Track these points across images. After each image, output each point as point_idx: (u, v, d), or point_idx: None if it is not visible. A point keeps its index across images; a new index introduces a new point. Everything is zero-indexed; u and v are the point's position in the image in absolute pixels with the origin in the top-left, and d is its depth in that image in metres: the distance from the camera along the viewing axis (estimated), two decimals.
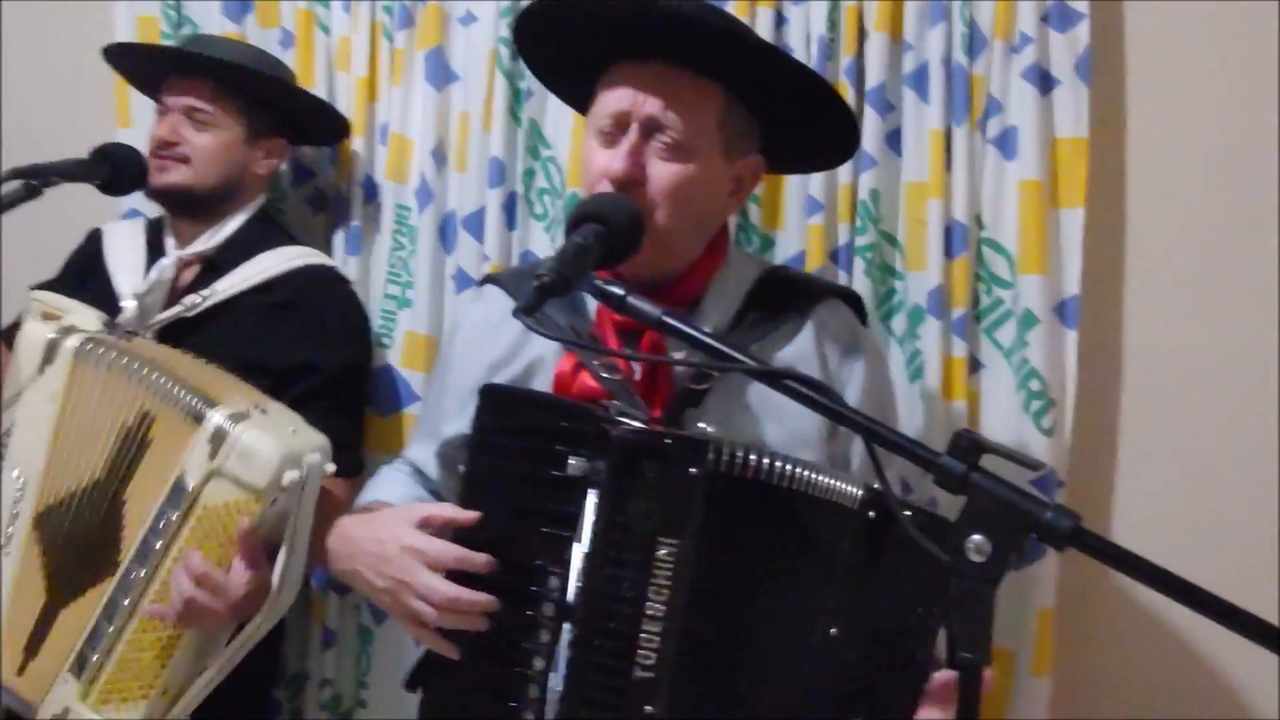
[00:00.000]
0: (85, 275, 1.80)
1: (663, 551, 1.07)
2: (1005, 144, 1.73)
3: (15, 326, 1.70)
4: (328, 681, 1.93)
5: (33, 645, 1.47)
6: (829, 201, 1.76)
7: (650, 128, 1.30)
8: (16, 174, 1.48)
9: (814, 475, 1.11)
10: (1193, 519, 1.70)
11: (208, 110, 1.75)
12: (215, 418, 1.40)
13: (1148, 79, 1.75)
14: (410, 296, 1.93)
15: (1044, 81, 1.71)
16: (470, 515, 1.15)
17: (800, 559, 1.13)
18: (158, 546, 1.42)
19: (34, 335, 1.56)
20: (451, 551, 1.14)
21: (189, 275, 1.75)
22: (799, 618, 1.12)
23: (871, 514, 1.13)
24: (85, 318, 1.60)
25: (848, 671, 1.12)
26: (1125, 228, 1.76)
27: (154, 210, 1.89)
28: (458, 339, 1.48)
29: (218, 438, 1.39)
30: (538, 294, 1.04)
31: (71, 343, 1.52)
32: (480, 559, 1.13)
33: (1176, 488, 1.73)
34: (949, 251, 1.73)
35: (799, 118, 1.40)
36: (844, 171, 1.76)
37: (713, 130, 1.33)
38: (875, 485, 1.09)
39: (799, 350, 1.37)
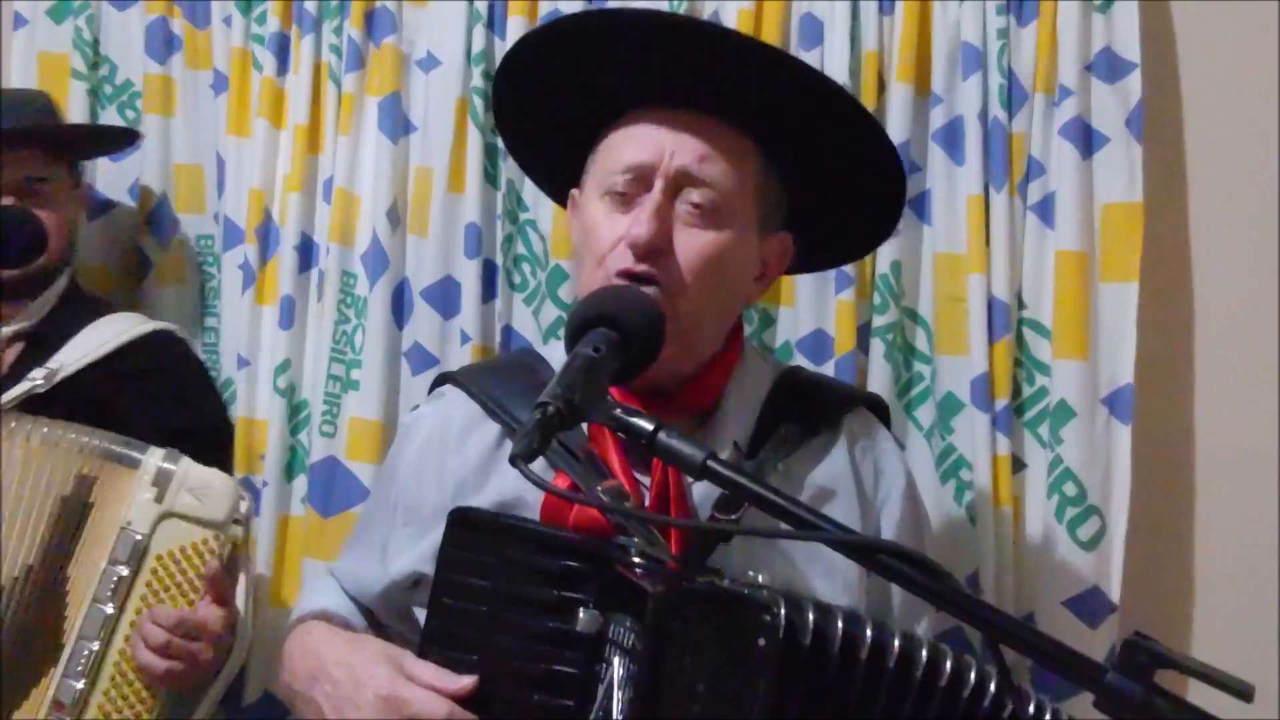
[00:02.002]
0: None
1: None
2: (1045, 211, 1.53)
3: None
4: None
5: None
6: (856, 274, 1.54)
7: (680, 184, 1.06)
8: None
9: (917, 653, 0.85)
10: None
11: (47, 178, 1.58)
12: (154, 458, 1.36)
13: (1210, 134, 1.56)
14: (357, 377, 1.66)
15: (1087, 139, 1.51)
16: (464, 683, 0.92)
17: None
18: (109, 612, 1.32)
19: None
20: (440, 710, 0.90)
21: (10, 355, 1.55)
22: None
23: None
24: None
25: None
26: (1192, 305, 1.54)
27: None
28: (409, 451, 1.20)
29: (163, 478, 1.35)
30: (542, 430, 0.79)
31: None
32: None
33: (1260, 614, 1.49)
34: (990, 334, 1.51)
35: (832, 192, 1.18)
36: None
37: (750, 195, 1.11)
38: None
39: (834, 469, 1.14)
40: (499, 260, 1.67)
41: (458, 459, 1.13)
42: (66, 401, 1.48)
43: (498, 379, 1.19)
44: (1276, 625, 1.48)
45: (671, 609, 0.83)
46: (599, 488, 0.99)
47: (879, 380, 1.54)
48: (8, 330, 1.54)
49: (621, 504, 0.96)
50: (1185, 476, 1.54)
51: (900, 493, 1.17)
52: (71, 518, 1.35)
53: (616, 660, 0.84)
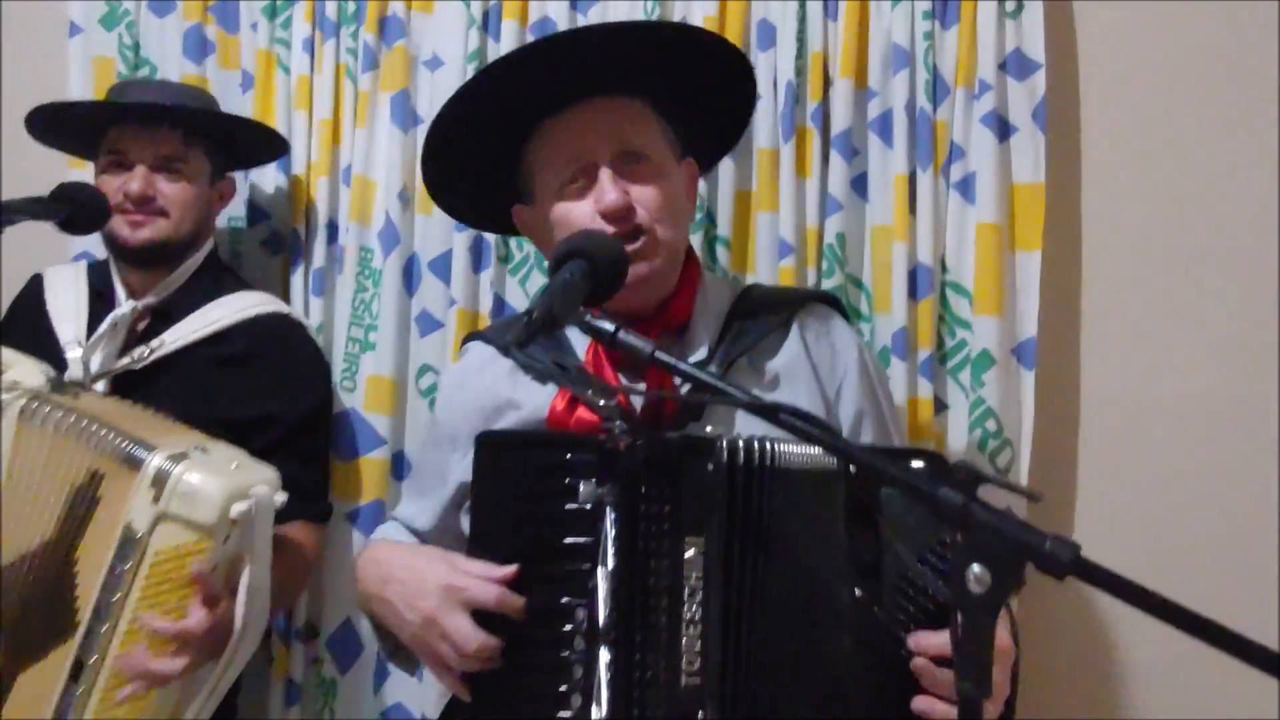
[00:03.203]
0: (28, 323, 1.73)
1: (690, 553, 1.06)
2: (967, 189, 1.76)
3: None
4: None
5: None
6: (798, 244, 1.78)
7: (619, 156, 1.32)
8: None
9: (817, 452, 1.11)
10: (1150, 560, 1.71)
11: (182, 158, 1.73)
12: (154, 461, 1.37)
13: (1103, 125, 1.80)
14: (374, 339, 1.90)
15: (1002, 128, 1.75)
16: (508, 571, 1.12)
17: (816, 534, 1.12)
18: (114, 600, 1.38)
19: None
20: (492, 591, 1.11)
21: (140, 324, 1.71)
22: (824, 587, 1.10)
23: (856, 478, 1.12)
24: (28, 370, 1.53)
25: (882, 629, 1.10)
26: (1081, 271, 1.79)
27: (98, 250, 1.86)
28: (443, 393, 1.47)
29: (159, 480, 1.36)
30: (528, 330, 1.03)
31: (14, 405, 1.46)
32: (519, 602, 1.11)
33: (1133, 531, 1.75)
34: (914, 294, 1.75)
35: (704, 94, 1.43)
36: (811, 215, 1.78)
37: (660, 140, 1.37)
38: None
39: (789, 356, 1.37)
40: (489, 235, 1.89)
41: (479, 390, 1.38)
42: (168, 377, 1.63)
43: (506, 327, 1.46)
44: (1149, 541, 1.74)
45: (639, 456, 1.09)
46: (592, 392, 1.24)
47: (836, 296, 1.71)
48: (141, 303, 1.69)
49: (603, 395, 1.21)
50: (1071, 414, 1.79)
51: (855, 365, 1.39)
52: (82, 506, 1.41)
53: (608, 513, 1.08)
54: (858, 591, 1.10)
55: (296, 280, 1.95)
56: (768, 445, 1.11)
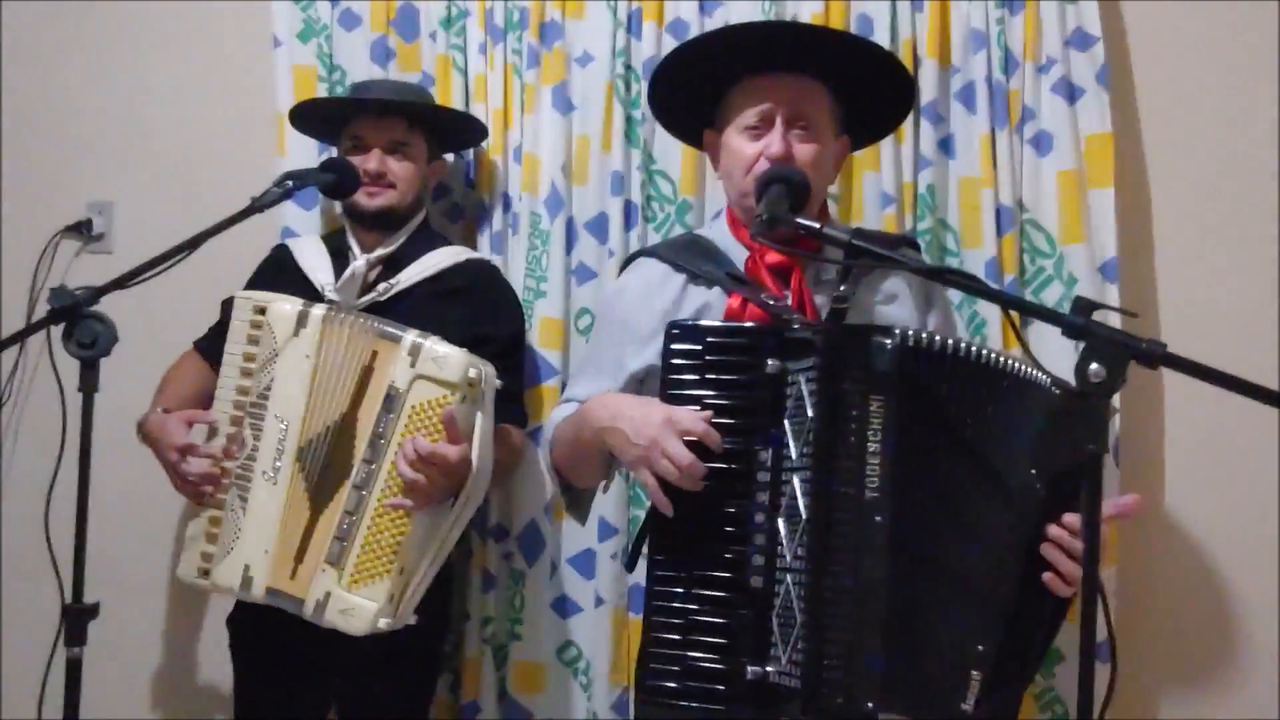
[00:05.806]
0: (275, 279, 2.12)
1: (874, 405, 1.38)
2: (1040, 143, 2.16)
3: (215, 333, 2.04)
4: (490, 619, 2.26)
5: (300, 554, 1.82)
6: (898, 196, 2.17)
7: (793, 119, 1.69)
8: (284, 179, 1.84)
9: (984, 351, 1.42)
10: (1233, 451, 2.09)
11: (407, 143, 2.14)
12: (409, 336, 1.78)
13: (1157, 80, 2.23)
14: (544, 288, 2.29)
15: (1071, 91, 2.14)
16: (706, 414, 1.46)
17: (988, 418, 1.41)
18: (381, 443, 1.79)
19: (285, 309, 1.87)
20: (700, 423, 1.45)
21: (374, 273, 2.10)
22: (995, 462, 1.41)
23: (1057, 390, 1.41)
24: (289, 301, 1.90)
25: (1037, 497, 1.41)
26: (1150, 199, 2.22)
27: (301, 229, 2.32)
28: (625, 298, 1.80)
29: (414, 350, 1.77)
30: (763, 225, 1.42)
31: (319, 311, 1.86)
32: (716, 436, 1.45)
33: (1215, 414, 2.13)
34: (999, 230, 2.13)
35: (872, 94, 1.79)
36: (906, 171, 2.17)
37: (827, 117, 1.74)
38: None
39: (894, 280, 1.72)
40: (637, 199, 2.29)
41: (659, 298, 1.73)
42: (402, 309, 1.98)
43: (675, 249, 1.81)
44: (1231, 435, 2.12)
45: (833, 340, 1.42)
46: (761, 296, 1.60)
47: (917, 240, 2.09)
48: (373, 255, 2.08)
49: (771, 299, 1.57)
50: (1153, 319, 2.19)
51: (939, 295, 1.76)
52: (364, 380, 1.81)
53: (802, 380, 1.41)
54: (1034, 471, 1.41)
55: (482, 242, 2.35)
56: (929, 335, 1.41)
